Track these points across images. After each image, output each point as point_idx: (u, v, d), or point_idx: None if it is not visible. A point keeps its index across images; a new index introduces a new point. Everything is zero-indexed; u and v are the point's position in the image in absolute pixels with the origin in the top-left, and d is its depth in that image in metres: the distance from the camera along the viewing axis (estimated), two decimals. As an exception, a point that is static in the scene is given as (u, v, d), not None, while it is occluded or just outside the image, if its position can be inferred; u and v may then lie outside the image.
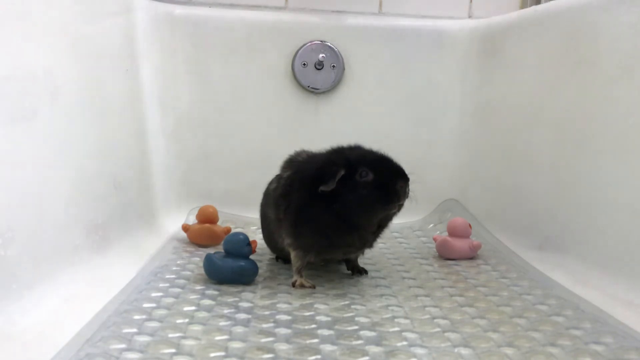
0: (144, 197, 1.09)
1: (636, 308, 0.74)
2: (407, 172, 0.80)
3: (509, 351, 0.62)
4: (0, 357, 0.56)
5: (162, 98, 1.23)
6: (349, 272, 0.91)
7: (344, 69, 1.29)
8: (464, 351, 0.62)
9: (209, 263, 0.82)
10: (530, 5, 1.33)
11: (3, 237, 0.63)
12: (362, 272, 0.90)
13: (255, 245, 0.86)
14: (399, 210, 0.81)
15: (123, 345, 0.60)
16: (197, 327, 0.66)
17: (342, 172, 0.77)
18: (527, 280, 0.87)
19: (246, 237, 0.83)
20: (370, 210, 0.79)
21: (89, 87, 0.88)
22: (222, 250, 0.83)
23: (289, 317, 0.70)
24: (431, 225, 1.22)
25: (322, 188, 0.77)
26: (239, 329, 0.66)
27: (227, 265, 0.81)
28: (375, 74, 1.30)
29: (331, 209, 0.78)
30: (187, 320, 0.68)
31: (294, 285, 0.82)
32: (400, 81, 1.30)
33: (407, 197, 0.79)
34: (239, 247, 0.82)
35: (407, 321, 0.70)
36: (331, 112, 1.30)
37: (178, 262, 0.92)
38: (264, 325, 0.67)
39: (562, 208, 0.94)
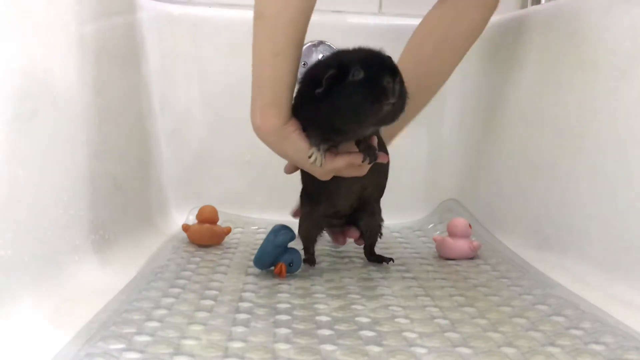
0: (144, 197, 1.09)
1: (636, 308, 0.74)
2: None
3: (509, 351, 0.62)
4: (0, 357, 0.56)
5: (163, 98, 1.23)
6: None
7: (344, 68, 1.29)
8: (464, 351, 0.62)
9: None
10: (530, 6, 1.33)
11: (3, 237, 0.63)
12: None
13: (279, 270, 0.86)
14: (395, 110, 0.75)
15: (123, 345, 0.60)
16: (197, 327, 0.66)
17: (332, 72, 0.74)
18: (527, 280, 0.87)
19: (283, 242, 0.84)
20: (357, 111, 0.74)
21: (89, 86, 0.88)
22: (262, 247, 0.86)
23: (288, 317, 0.70)
24: (431, 225, 1.22)
25: (316, 91, 0.75)
26: (239, 329, 0.66)
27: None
28: (375, 74, 1.30)
29: (324, 112, 0.76)
30: (187, 320, 0.68)
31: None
32: (400, 81, 1.30)
33: (396, 94, 0.73)
34: (280, 241, 0.84)
35: (407, 321, 0.70)
36: (331, 112, 1.30)
37: (178, 262, 0.92)
38: (264, 325, 0.67)
39: (562, 208, 0.94)
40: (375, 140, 0.84)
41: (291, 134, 0.80)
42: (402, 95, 0.76)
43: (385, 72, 0.73)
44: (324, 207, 0.90)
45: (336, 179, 0.84)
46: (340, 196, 0.89)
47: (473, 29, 1.04)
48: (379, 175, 0.89)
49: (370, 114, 0.74)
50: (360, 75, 0.73)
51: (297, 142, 0.80)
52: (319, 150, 0.80)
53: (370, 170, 0.85)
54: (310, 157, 0.80)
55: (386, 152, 0.92)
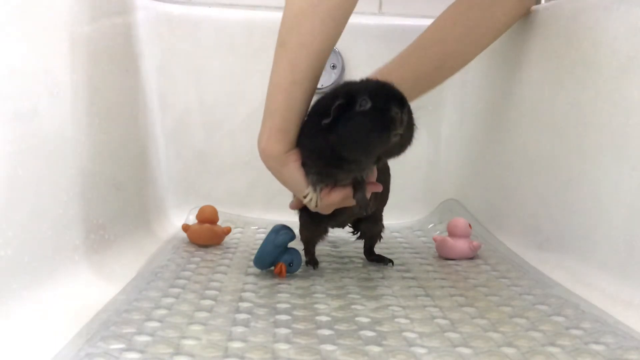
0: (144, 197, 1.09)
1: (636, 308, 0.74)
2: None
3: (509, 351, 0.62)
4: (0, 357, 0.56)
5: (162, 98, 1.23)
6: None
7: (344, 69, 1.29)
8: (464, 351, 0.62)
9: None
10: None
11: (3, 237, 0.63)
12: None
13: (279, 270, 0.86)
14: (403, 142, 0.75)
15: (123, 345, 0.60)
16: (197, 327, 0.66)
17: (340, 102, 0.73)
18: (527, 280, 0.87)
19: (283, 242, 0.85)
20: (365, 140, 0.72)
21: (89, 87, 0.88)
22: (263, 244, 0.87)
23: (289, 317, 0.70)
24: (431, 225, 1.22)
25: (323, 121, 0.74)
26: (239, 329, 0.66)
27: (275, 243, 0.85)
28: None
29: (331, 142, 0.74)
30: (187, 320, 0.68)
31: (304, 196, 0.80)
32: (400, 81, 1.30)
33: (404, 124, 0.72)
34: (281, 241, 0.85)
35: (407, 321, 0.70)
36: (331, 112, 1.30)
37: (178, 262, 0.92)
38: (264, 325, 0.67)
39: (562, 208, 0.94)
40: (374, 176, 0.83)
41: (291, 163, 0.80)
42: (410, 127, 0.75)
43: (393, 102, 0.72)
44: (325, 222, 0.90)
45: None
46: (345, 216, 0.89)
47: (506, 20, 1.07)
48: (382, 196, 0.90)
49: (378, 143, 0.73)
50: (367, 105, 0.72)
51: (294, 173, 0.80)
52: (315, 191, 0.80)
53: (374, 196, 0.84)
54: (305, 196, 0.80)
55: (388, 174, 0.94)
